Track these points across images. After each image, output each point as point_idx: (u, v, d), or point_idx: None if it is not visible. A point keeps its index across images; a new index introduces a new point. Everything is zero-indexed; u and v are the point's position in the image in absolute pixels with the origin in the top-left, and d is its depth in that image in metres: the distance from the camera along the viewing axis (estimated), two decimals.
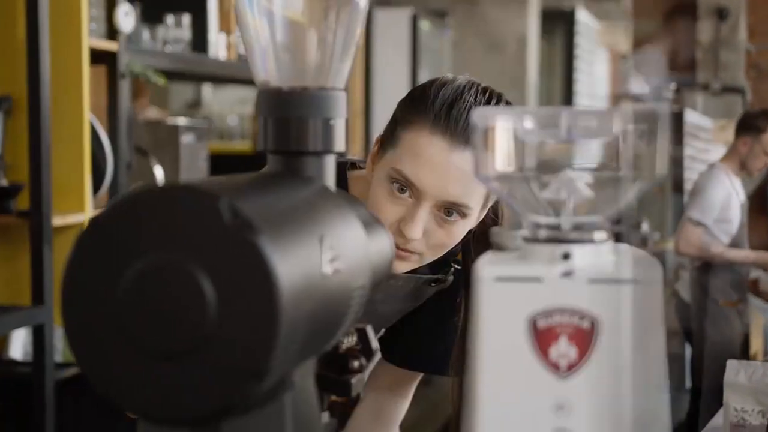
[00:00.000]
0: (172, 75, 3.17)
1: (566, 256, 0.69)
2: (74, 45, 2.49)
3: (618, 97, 9.84)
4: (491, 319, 0.69)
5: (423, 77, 6.07)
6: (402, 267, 1.30)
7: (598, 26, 8.35)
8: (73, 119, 2.49)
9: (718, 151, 8.60)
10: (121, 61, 2.69)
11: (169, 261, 0.62)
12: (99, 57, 2.67)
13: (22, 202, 2.41)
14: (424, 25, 4.99)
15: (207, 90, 5.63)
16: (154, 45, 2.97)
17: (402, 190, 1.25)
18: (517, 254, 0.74)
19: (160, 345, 0.62)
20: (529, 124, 0.70)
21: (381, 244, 0.86)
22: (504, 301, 0.69)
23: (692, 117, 7.28)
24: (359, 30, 0.86)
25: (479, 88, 1.29)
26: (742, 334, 4.27)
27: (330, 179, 0.83)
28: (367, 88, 4.68)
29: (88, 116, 2.52)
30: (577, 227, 0.71)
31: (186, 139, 2.99)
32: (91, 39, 2.58)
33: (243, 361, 0.61)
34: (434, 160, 1.23)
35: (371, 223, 0.86)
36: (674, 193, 6.50)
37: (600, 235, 0.71)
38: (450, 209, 1.25)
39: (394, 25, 4.96)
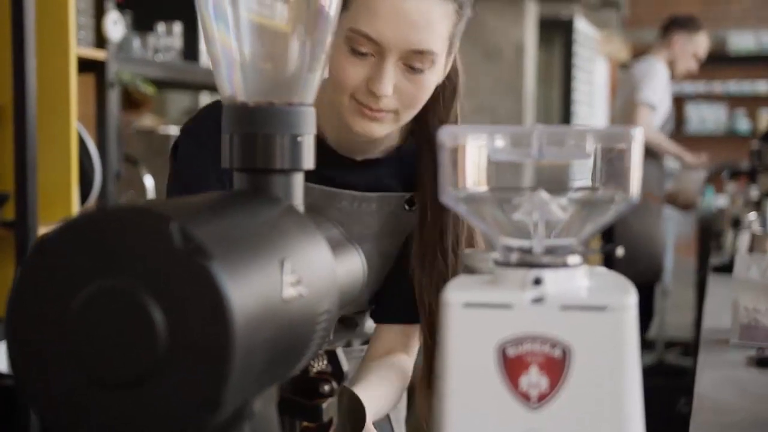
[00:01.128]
0: (163, 84, 3.15)
1: (537, 282, 0.66)
2: (62, 53, 2.46)
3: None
4: (459, 347, 0.66)
5: None
6: (379, 129, 1.27)
7: (596, 35, 8.32)
8: (60, 128, 2.46)
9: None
10: (109, 69, 2.67)
11: (118, 286, 0.59)
12: (88, 65, 2.64)
13: (8, 212, 2.38)
14: None
15: (204, 98, 5.60)
16: (144, 53, 2.94)
17: (362, 54, 1.22)
18: (488, 278, 0.71)
19: (108, 373, 0.59)
20: (499, 142, 0.67)
21: (350, 264, 0.83)
22: (473, 327, 0.66)
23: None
24: (328, 40, 0.83)
25: None
26: (662, 233, 4.46)
27: (298, 198, 0.80)
28: None
29: (75, 125, 2.49)
30: (550, 250, 0.68)
31: None
32: (79, 47, 2.55)
33: (195, 392, 0.59)
34: (390, 9, 1.19)
35: (341, 243, 0.83)
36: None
37: (573, 258, 0.68)
38: (414, 62, 1.22)
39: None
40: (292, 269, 0.68)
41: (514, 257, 0.68)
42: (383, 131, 1.28)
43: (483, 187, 0.69)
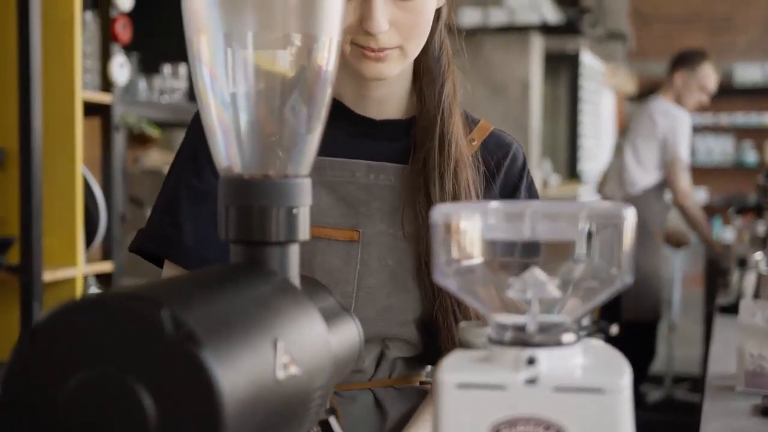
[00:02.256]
0: (169, 124, 3.17)
1: (531, 361, 0.66)
2: (68, 97, 2.48)
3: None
4: (453, 427, 0.66)
5: None
6: (388, 69, 1.21)
7: (602, 68, 8.35)
8: (65, 172, 2.47)
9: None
10: (115, 113, 2.68)
11: (108, 374, 0.59)
12: (93, 109, 2.66)
13: (13, 256, 2.39)
14: None
15: None
16: (150, 95, 2.96)
17: None
18: (483, 355, 0.71)
19: None
20: (492, 220, 0.67)
21: (346, 335, 0.83)
22: (466, 408, 0.66)
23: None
24: (324, 112, 0.83)
25: None
26: (664, 269, 4.53)
27: (293, 270, 0.80)
28: None
29: (81, 169, 2.50)
30: (544, 328, 0.68)
31: None
32: (85, 91, 2.56)
33: None
34: None
35: (335, 312, 0.83)
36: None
37: (568, 336, 0.68)
38: None
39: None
40: (286, 349, 0.67)
41: (508, 335, 0.68)
42: (394, 70, 1.22)
43: (476, 264, 0.69)
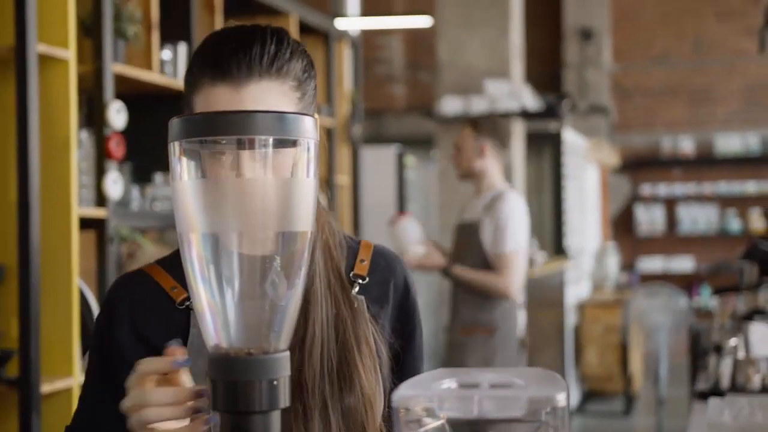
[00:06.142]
0: (162, 230, 3.29)
1: None
2: (65, 213, 2.59)
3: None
4: None
5: (411, 209, 6.19)
6: None
7: (585, 143, 8.52)
8: (62, 286, 2.57)
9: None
10: (109, 226, 2.80)
11: None
12: (88, 222, 2.77)
13: (11, 369, 2.47)
14: (410, 160, 5.12)
15: None
16: (143, 204, 3.08)
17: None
18: None
19: None
20: (445, 404, 0.77)
21: None
22: None
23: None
24: (299, 290, 0.94)
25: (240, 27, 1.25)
26: None
27: None
28: (356, 224, 4.80)
29: (77, 282, 2.60)
30: None
31: None
32: (80, 207, 2.68)
33: None
34: (226, 101, 1.19)
35: None
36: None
37: None
38: None
39: (380, 161, 5.11)
40: None
41: None
42: None
43: None
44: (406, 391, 0.78)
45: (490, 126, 3.96)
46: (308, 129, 0.92)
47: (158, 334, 1.22)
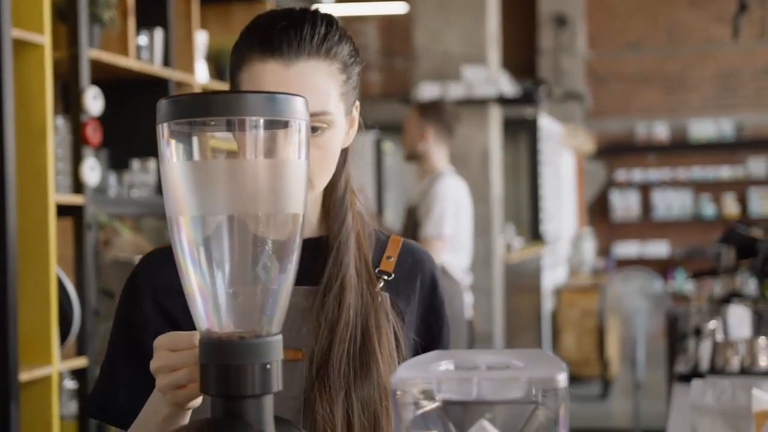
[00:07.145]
0: (139, 217, 3.26)
1: None
2: (42, 201, 2.56)
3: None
4: None
5: (389, 197, 6.18)
6: None
7: (561, 129, 8.55)
8: (39, 274, 2.55)
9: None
10: (87, 213, 2.77)
11: None
12: (65, 209, 2.74)
13: None
14: (387, 146, 5.11)
15: None
16: (120, 190, 3.05)
17: None
18: None
19: None
20: (443, 386, 0.76)
21: None
22: None
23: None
24: (292, 275, 0.93)
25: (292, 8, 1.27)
26: None
27: (268, 418, 0.89)
28: None
29: (54, 270, 2.57)
30: None
31: None
32: (57, 194, 2.65)
33: None
34: (273, 79, 1.21)
35: None
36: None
37: None
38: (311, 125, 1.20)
39: (358, 148, 5.06)
40: None
41: None
42: None
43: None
44: (403, 373, 0.77)
45: (434, 111, 4.04)
46: (299, 110, 0.91)
47: (178, 309, 1.20)
